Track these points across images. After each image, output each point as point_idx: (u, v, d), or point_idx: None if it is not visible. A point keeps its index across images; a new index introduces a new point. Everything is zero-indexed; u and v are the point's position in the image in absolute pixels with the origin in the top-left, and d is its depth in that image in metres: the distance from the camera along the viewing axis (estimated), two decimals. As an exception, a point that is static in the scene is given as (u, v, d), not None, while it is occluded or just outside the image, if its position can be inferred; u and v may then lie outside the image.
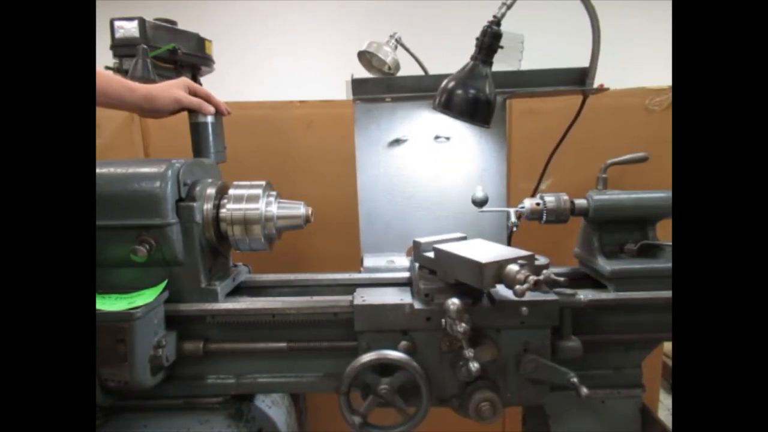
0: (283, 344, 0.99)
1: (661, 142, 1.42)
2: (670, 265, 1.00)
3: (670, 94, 1.53)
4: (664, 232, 1.07)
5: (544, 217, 1.06)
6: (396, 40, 1.45)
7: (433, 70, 1.19)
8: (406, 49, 1.48)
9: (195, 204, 0.97)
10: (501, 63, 1.40)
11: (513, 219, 1.07)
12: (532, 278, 0.78)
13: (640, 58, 3.32)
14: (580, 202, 1.06)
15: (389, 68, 1.44)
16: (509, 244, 1.34)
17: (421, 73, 1.42)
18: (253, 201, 1.01)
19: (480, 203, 1.23)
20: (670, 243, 1.04)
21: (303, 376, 1.01)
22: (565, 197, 1.06)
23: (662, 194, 1.03)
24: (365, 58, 1.48)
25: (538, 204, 1.06)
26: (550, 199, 1.06)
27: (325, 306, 0.97)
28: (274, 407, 1.13)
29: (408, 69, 1.42)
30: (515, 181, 1.62)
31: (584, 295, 0.95)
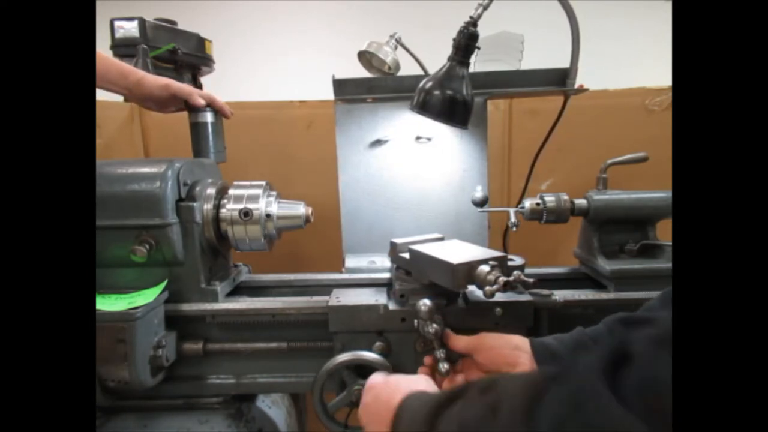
0: (283, 344, 0.99)
1: (661, 142, 1.42)
2: (670, 265, 1.01)
3: (670, 94, 1.53)
4: (664, 232, 1.07)
5: (544, 217, 1.06)
6: (396, 40, 1.45)
7: (433, 70, 1.19)
8: (406, 49, 1.47)
9: (195, 204, 0.97)
10: (501, 63, 1.41)
11: (513, 219, 1.07)
12: (502, 279, 0.78)
13: (641, 59, 3.32)
14: (580, 202, 1.06)
15: (389, 68, 1.44)
16: (505, 244, 1.34)
17: (421, 72, 1.42)
18: (253, 201, 1.01)
19: (480, 203, 1.23)
20: (670, 243, 1.04)
21: (303, 376, 1.01)
22: (565, 197, 1.06)
23: (662, 194, 1.03)
24: (365, 58, 1.48)
25: (538, 204, 1.06)
26: (550, 199, 1.06)
27: (325, 306, 0.97)
28: (274, 407, 1.13)
29: (408, 69, 1.42)
30: (516, 180, 1.63)
31: (560, 295, 0.95)
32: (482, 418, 0.48)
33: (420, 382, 0.74)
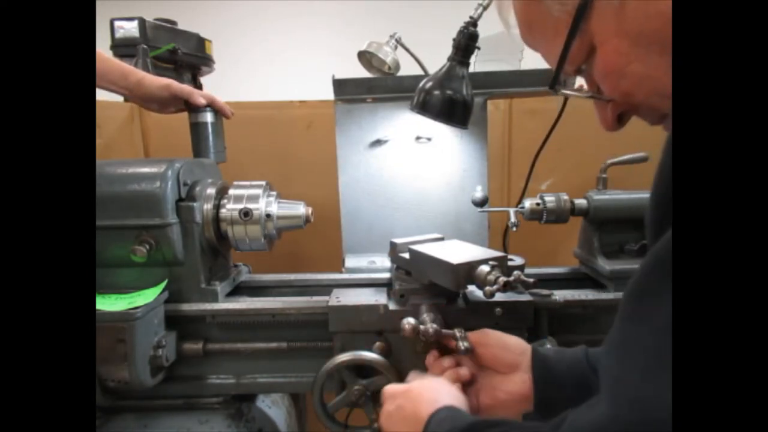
0: (283, 344, 0.99)
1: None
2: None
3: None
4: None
5: (544, 217, 1.06)
6: (396, 40, 1.45)
7: (433, 70, 1.19)
8: (406, 49, 1.47)
9: (195, 204, 0.97)
10: (501, 63, 1.41)
11: (513, 219, 1.07)
12: (502, 279, 0.78)
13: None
14: (580, 202, 1.06)
15: (389, 68, 1.44)
16: (505, 244, 1.34)
17: (421, 72, 1.42)
18: (253, 201, 1.01)
19: (480, 203, 1.23)
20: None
21: (303, 376, 1.01)
22: (565, 197, 1.06)
23: (662, 194, 1.03)
24: (365, 58, 1.48)
25: (538, 204, 1.06)
26: (550, 199, 1.06)
27: (325, 306, 0.97)
28: (274, 407, 1.13)
29: (408, 69, 1.42)
30: (516, 180, 1.62)
31: (560, 295, 0.95)
32: None
33: (442, 393, 0.74)
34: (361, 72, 1.49)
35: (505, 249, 1.33)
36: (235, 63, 3.49)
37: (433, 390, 0.75)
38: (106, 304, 0.89)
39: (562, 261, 1.30)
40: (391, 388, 0.80)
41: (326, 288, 1.08)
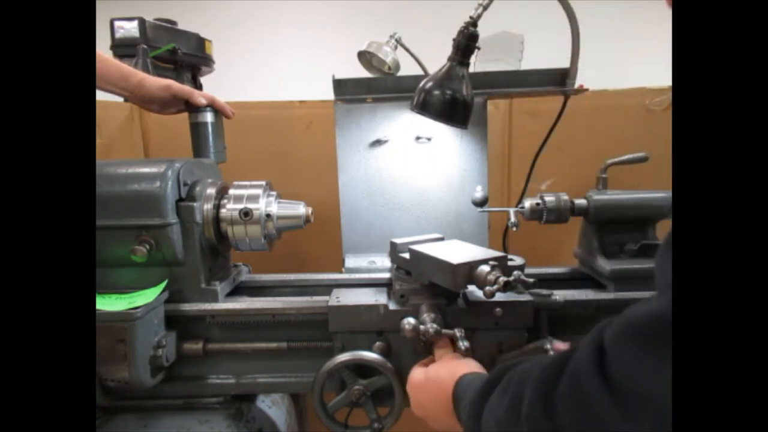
0: (283, 344, 0.99)
1: (661, 142, 1.42)
2: (670, 265, 1.00)
3: (670, 94, 1.53)
4: (664, 233, 1.07)
5: (544, 217, 1.06)
6: (396, 40, 1.45)
7: (433, 70, 1.19)
8: (406, 49, 1.47)
9: (195, 204, 0.97)
10: (501, 63, 1.40)
11: (513, 219, 1.07)
12: (502, 279, 0.78)
13: (641, 59, 3.32)
14: (580, 202, 1.06)
15: (389, 68, 1.44)
16: (505, 244, 1.34)
17: (421, 72, 1.42)
18: (253, 201, 1.01)
19: (480, 203, 1.23)
20: (670, 243, 1.03)
21: (303, 376, 1.01)
22: (565, 197, 1.06)
23: (662, 194, 1.03)
24: (365, 58, 1.48)
25: (538, 204, 1.06)
26: (550, 199, 1.06)
27: (325, 306, 0.97)
28: (274, 407, 1.13)
29: (408, 69, 1.42)
30: (516, 180, 1.62)
31: (560, 295, 0.95)
32: (510, 409, 0.54)
33: (459, 365, 0.78)
34: (361, 72, 1.49)
35: (505, 249, 1.33)
36: (235, 63, 3.48)
37: (449, 367, 0.78)
38: (106, 304, 0.89)
39: (562, 261, 1.30)
40: (411, 381, 0.83)
41: (326, 288, 1.08)
